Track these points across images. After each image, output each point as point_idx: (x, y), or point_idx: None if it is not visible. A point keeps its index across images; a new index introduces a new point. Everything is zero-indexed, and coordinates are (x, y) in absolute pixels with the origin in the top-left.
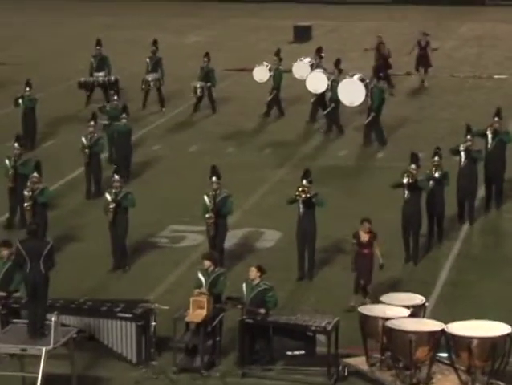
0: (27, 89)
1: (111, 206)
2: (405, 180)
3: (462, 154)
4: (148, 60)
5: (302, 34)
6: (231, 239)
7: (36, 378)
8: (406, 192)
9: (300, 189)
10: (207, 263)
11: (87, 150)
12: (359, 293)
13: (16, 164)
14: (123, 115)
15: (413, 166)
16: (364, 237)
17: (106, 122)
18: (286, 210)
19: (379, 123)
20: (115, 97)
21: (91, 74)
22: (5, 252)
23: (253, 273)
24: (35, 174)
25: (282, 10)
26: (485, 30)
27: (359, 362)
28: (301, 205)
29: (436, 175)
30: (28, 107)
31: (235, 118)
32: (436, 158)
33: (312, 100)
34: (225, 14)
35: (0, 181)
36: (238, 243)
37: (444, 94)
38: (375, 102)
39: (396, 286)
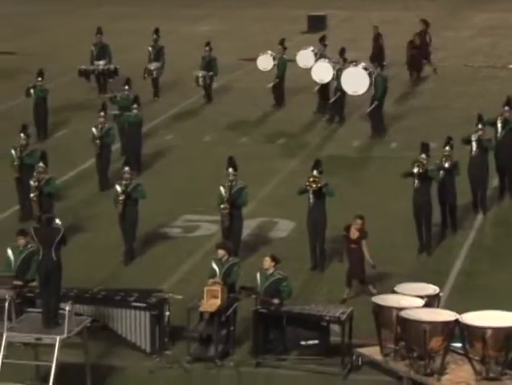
0: (39, 79)
1: (120, 198)
2: (415, 170)
3: (473, 143)
4: (150, 49)
5: (316, 24)
6: (245, 229)
7: (50, 367)
8: (416, 181)
9: (311, 179)
10: (221, 252)
11: (97, 141)
12: (353, 286)
13: (22, 154)
14: (135, 106)
15: (423, 156)
16: (354, 234)
17: (117, 112)
18: (299, 200)
19: (381, 113)
20: (126, 87)
21: (92, 63)
22: (21, 240)
23: (268, 262)
24: (41, 164)
25: (295, 0)
26: (500, 20)
27: (373, 352)
28: (311, 195)
29: (446, 165)
30: (40, 97)
31: (248, 108)
32: (447, 148)
33: (316, 89)
34: (239, 4)
35: (7, 172)
36: (252, 233)
37: (457, 83)
38: (378, 91)
39: (409, 276)
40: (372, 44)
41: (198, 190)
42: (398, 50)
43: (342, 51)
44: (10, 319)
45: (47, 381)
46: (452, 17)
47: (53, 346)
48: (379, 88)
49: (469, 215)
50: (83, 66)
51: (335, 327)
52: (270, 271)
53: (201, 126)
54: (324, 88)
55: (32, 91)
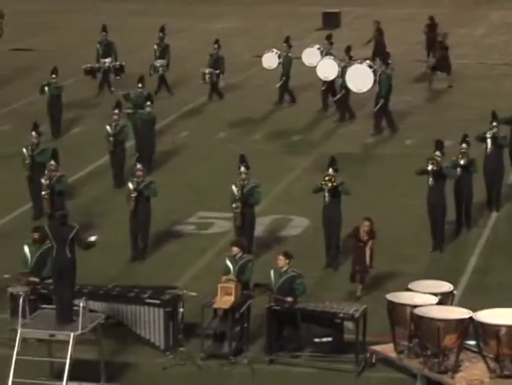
0: (53, 76)
1: (133, 195)
2: (430, 167)
3: (488, 141)
4: (155, 47)
5: (331, 21)
6: (259, 226)
7: (64, 363)
8: (430, 179)
9: (326, 178)
10: (235, 249)
11: (111, 138)
12: (357, 281)
13: (33, 152)
14: (148, 103)
15: (438, 153)
16: (363, 236)
17: (130, 110)
18: (313, 197)
19: (389, 110)
20: (140, 84)
21: (98, 61)
22: (37, 237)
23: (282, 261)
24: (53, 162)
25: None
26: None
27: (387, 349)
28: (327, 194)
29: (462, 162)
30: (54, 94)
31: (262, 106)
32: (464, 145)
33: (322, 88)
34: (254, 1)
35: (21, 170)
36: (266, 230)
37: (472, 81)
38: (383, 88)
39: (423, 274)
40: (373, 40)
41: (213, 187)
42: (413, 46)
43: (348, 49)
44: (24, 316)
45: (61, 377)
46: (467, 14)
47: (67, 342)
48: (383, 86)
49: (483, 212)
50: (88, 65)
51: (348, 324)
52: (284, 268)
53: (215, 123)
54: (330, 87)
55: (46, 88)
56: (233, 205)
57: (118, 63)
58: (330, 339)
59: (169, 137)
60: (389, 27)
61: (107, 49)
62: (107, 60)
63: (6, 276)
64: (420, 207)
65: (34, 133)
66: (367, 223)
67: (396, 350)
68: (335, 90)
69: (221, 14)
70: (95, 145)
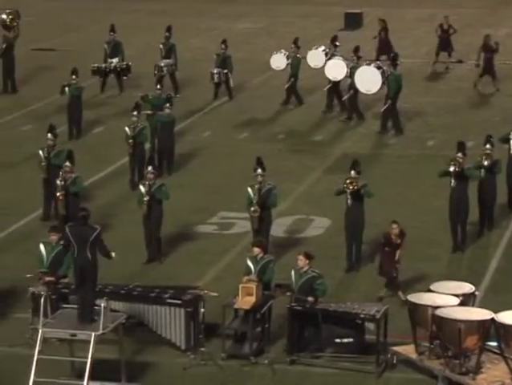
0: (73, 77)
1: (145, 199)
2: (452, 169)
3: (511, 142)
4: (161, 46)
5: (353, 21)
6: (280, 226)
7: (85, 363)
8: (452, 180)
9: (348, 181)
10: (256, 250)
11: (130, 140)
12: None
13: (49, 155)
14: (167, 105)
15: (460, 154)
16: (396, 240)
17: (149, 112)
18: (335, 197)
19: (396, 111)
20: (158, 86)
21: (105, 61)
22: (54, 237)
23: (302, 261)
24: (67, 163)
25: None
26: None
27: (408, 350)
28: (349, 196)
29: (486, 163)
30: (74, 95)
31: (283, 106)
32: (488, 146)
33: (326, 88)
34: (277, 1)
35: (37, 173)
36: (288, 230)
37: (495, 81)
38: (391, 89)
39: (445, 275)
40: (378, 38)
41: (235, 187)
42: (434, 47)
43: (356, 49)
44: (45, 315)
45: (82, 377)
46: (490, 14)
47: (88, 342)
48: (392, 87)
49: (505, 214)
50: (96, 65)
51: (370, 325)
52: (305, 269)
53: (236, 123)
54: (335, 87)
55: (66, 89)
56: (251, 209)
57: (125, 63)
58: (351, 340)
59: (191, 137)
60: (410, 28)
61: (115, 49)
62: (115, 60)
63: (29, 275)
64: (442, 208)
65: (49, 135)
66: (395, 226)
67: (417, 351)
68: (340, 90)
69: (244, 15)
70: (115, 146)
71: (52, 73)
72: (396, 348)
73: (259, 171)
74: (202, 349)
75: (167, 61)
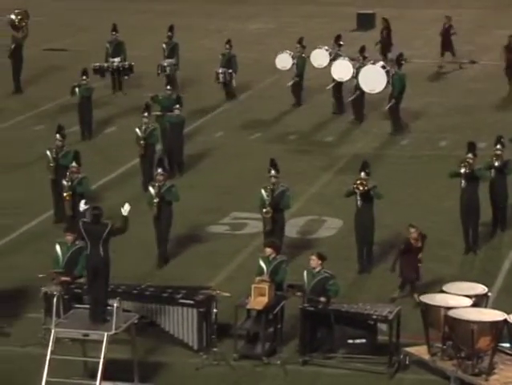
0: (83, 78)
1: (155, 200)
2: (462, 170)
3: None
4: (164, 46)
5: (365, 22)
6: (293, 227)
7: (97, 362)
8: (463, 181)
9: (358, 182)
10: (268, 250)
11: (141, 141)
12: (406, 289)
13: (58, 155)
14: (177, 106)
15: (470, 155)
16: (416, 244)
17: (159, 113)
18: (347, 198)
19: (398, 111)
20: (168, 86)
21: (107, 60)
22: (69, 237)
23: (315, 261)
24: (74, 164)
25: None
26: None
27: (421, 351)
28: (359, 198)
29: (496, 164)
30: (84, 96)
31: (307, 106)
32: (499, 146)
33: (329, 86)
34: (289, 1)
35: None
36: (300, 231)
37: (507, 82)
38: (396, 89)
39: (458, 276)
40: (380, 37)
41: (248, 187)
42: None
43: (362, 49)
44: (58, 315)
45: (95, 377)
46: (503, 15)
47: (101, 342)
48: (396, 86)
49: None
50: (97, 64)
51: (382, 326)
52: (317, 269)
53: (249, 123)
54: (338, 87)
55: (77, 89)
56: (264, 210)
57: (127, 63)
58: (363, 341)
59: (202, 138)
60: (422, 28)
61: (117, 49)
62: (116, 60)
63: (41, 275)
64: (454, 209)
65: (58, 136)
66: (413, 230)
67: (429, 352)
68: (341, 91)
69: (254, 15)
70: (126, 146)
71: (63, 73)
72: (408, 349)
73: (273, 172)
74: (215, 349)
75: (169, 60)
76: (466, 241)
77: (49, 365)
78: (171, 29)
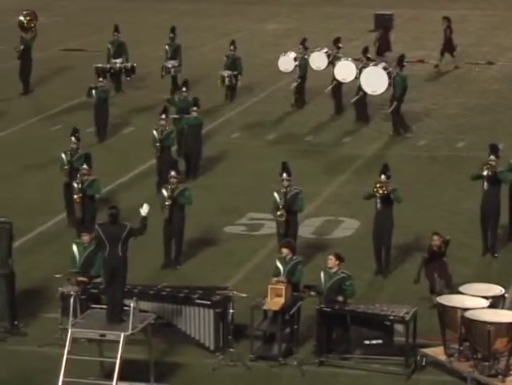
0: (100, 79)
1: (167, 203)
2: (485, 173)
3: None
4: (167, 47)
5: (382, 23)
6: (309, 228)
7: (114, 363)
8: (485, 183)
9: (378, 185)
10: (285, 251)
11: (157, 144)
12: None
13: (72, 158)
14: (194, 108)
15: (492, 157)
16: (439, 251)
17: (176, 116)
18: (364, 199)
19: (400, 112)
20: (184, 88)
21: (108, 61)
22: (85, 237)
23: (332, 261)
24: (85, 166)
25: None
26: None
27: (437, 352)
28: (378, 201)
29: None
30: (101, 98)
31: (312, 107)
32: None
33: (327, 90)
34: (305, 2)
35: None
36: (317, 231)
37: None
38: (397, 91)
39: (475, 277)
40: (379, 36)
41: (263, 188)
42: (464, 48)
43: (365, 50)
44: (75, 315)
45: (111, 377)
46: None
47: (117, 342)
48: (398, 88)
49: None
50: (99, 64)
51: (399, 327)
52: (335, 270)
53: (265, 124)
54: (337, 89)
55: (93, 91)
56: (278, 213)
57: (129, 64)
58: (380, 341)
59: (219, 139)
60: (439, 29)
61: (119, 49)
62: (118, 61)
63: (58, 276)
64: (472, 210)
65: (73, 138)
66: (436, 237)
67: (446, 353)
68: (341, 92)
69: (273, 16)
70: (142, 148)
71: (80, 73)
72: (425, 350)
73: (285, 176)
74: (231, 350)
75: (173, 62)
76: (485, 242)
77: (65, 365)
78: (173, 30)
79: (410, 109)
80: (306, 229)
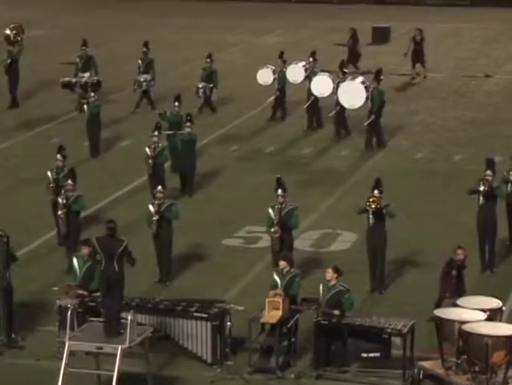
0: (91, 94)
1: (154, 218)
2: (481, 188)
3: None
4: (139, 62)
5: (380, 36)
6: (307, 241)
7: (111, 376)
8: (481, 198)
9: (371, 199)
10: (282, 264)
11: (150, 161)
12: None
13: (58, 176)
14: (188, 124)
15: (489, 172)
16: (460, 263)
17: (170, 132)
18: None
19: (379, 126)
20: (176, 103)
21: (76, 75)
22: (85, 250)
23: (330, 274)
24: (70, 182)
25: (360, 12)
26: None
27: (435, 365)
28: (371, 216)
29: (511, 178)
30: (93, 113)
31: (298, 119)
32: None
33: (306, 105)
34: (304, 16)
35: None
36: (314, 245)
37: None
38: (375, 104)
39: (472, 290)
40: (347, 47)
41: (261, 201)
42: (461, 62)
43: (341, 64)
44: (72, 328)
45: None
46: None
47: (115, 355)
48: (375, 102)
49: None
50: (66, 78)
51: (396, 340)
52: (333, 283)
53: (264, 137)
54: (314, 103)
55: (85, 106)
56: (272, 230)
57: (96, 78)
58: (377, 354)
59: (217, 152)
60: (437, 42)
61: (87, 63)
62: (86, 75)
63: (55, 288)
64: (469, 223)
65: (59, 156)
66: (460, 251)
67: (443, 367)
68: (319, 107)
69: (273, 29)
70: (134, 164)
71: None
72: (422, 363)
73: (279, 192)
74: (228, 363)
75: (146, 76)
76: (482, 259)
77: (63, 378)
78: (146, 45)
79: (408, 122)
80: (304, 242)
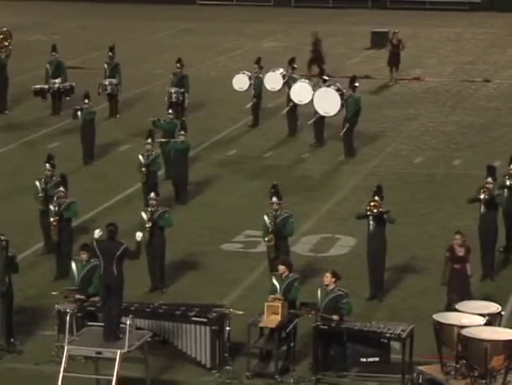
0: (86, 101)
1: (147, 226)
2: (482, 196)
3: None
4: (105, 66)
5: (379, 40)
6: (306, 245)
7: (110, 380)
8: (482, 207)
9: (372, 204)
10: (281, 268)
11: (143, 169)
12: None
13: (47, 186)
14: (181, 132)
15: (490, 179)
16: (459, 251)
17: (163, 139)
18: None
19: (352, 134)
20: (170, 110)
21: (47, 81)
22: (84, 255)
23: (328, 278)
24: (61, 188)
25: (359, 16)
26: None
27: (434, 370)
28: (371, 222)
29: (508, 183)
30: (87, 119)
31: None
32: None
33: (284, 111)
34: (302, 20)
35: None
36: (313, 249)
37: None
38: (349, 112)
39: (472, 295)
40: (311, 49)
41: (260, 206)
42: (461, 66)
43: (321, 72)
44: (71, 333)
45: None
46: None
47: (113, 359)
48: (350, 109)
49: None
50: (38, 86)
51: (395, 345)
52: (331, 287)
53: (262, 142)
54: (292, 111)
55: (79, 113)
56: (266, 238)
57: (68, 84)
58: (376, 359)
59: (217, 156)
60: (436, 47)
61: (57, 69)
62: (57, 81)
63: (54, 293)
64: (469, 228)
65: (47, 165)
66: (458, 236)
67: (442, 371)
68: (296, 114)
69: (270, 34)
70: (128, 172)
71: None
72: (421, 367)
73: (274, 199)
74: (228, 367)
75: (111, 80)
76: (484, 267)
77: (62, 382)
78: (112, 49)
79: (407, 127)
80: (303, 247)
